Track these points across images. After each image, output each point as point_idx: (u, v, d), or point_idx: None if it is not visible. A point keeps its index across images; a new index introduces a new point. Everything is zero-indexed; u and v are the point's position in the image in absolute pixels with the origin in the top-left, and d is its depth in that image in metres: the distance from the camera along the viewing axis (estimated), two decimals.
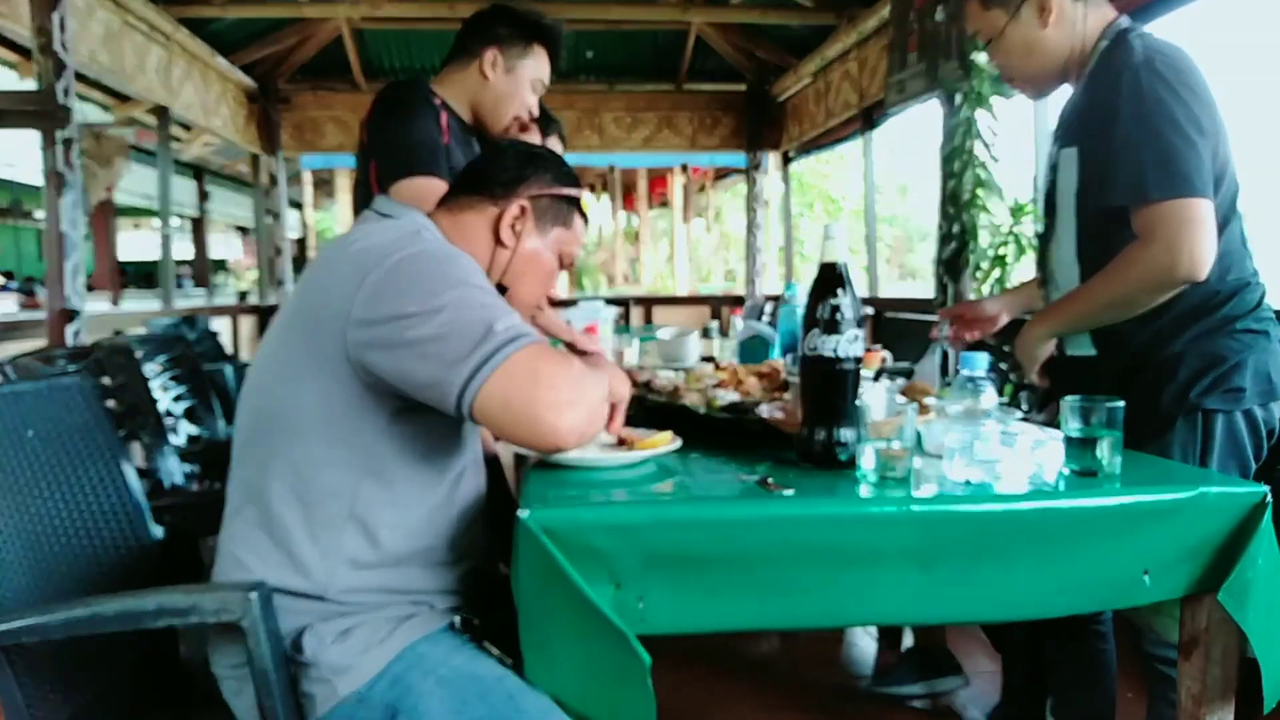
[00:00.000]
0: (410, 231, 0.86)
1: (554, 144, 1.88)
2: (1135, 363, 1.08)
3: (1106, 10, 1.11)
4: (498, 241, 0.93)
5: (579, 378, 0.79)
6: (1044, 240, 1.20)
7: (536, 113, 1.56)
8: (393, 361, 0.78)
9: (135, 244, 14.28)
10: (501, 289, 0.94)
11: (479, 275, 0.84)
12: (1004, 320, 1.37)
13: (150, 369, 1.90)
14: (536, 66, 1.52)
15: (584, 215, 1.00)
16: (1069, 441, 0.88)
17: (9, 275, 10.40)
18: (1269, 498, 0.83)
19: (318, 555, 0.81)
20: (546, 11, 1.54)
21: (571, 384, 0.77)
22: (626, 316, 4.37)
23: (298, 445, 0.81)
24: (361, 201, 1.47)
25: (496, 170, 0.95)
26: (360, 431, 0.81)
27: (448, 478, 0.88)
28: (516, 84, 1.50)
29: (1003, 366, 1.32)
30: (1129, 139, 0.99)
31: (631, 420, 1.16)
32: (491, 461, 1.18)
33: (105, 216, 9.13)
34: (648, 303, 6.12)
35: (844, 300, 0.88)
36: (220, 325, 4.35)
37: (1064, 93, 1.21)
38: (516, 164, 0.95)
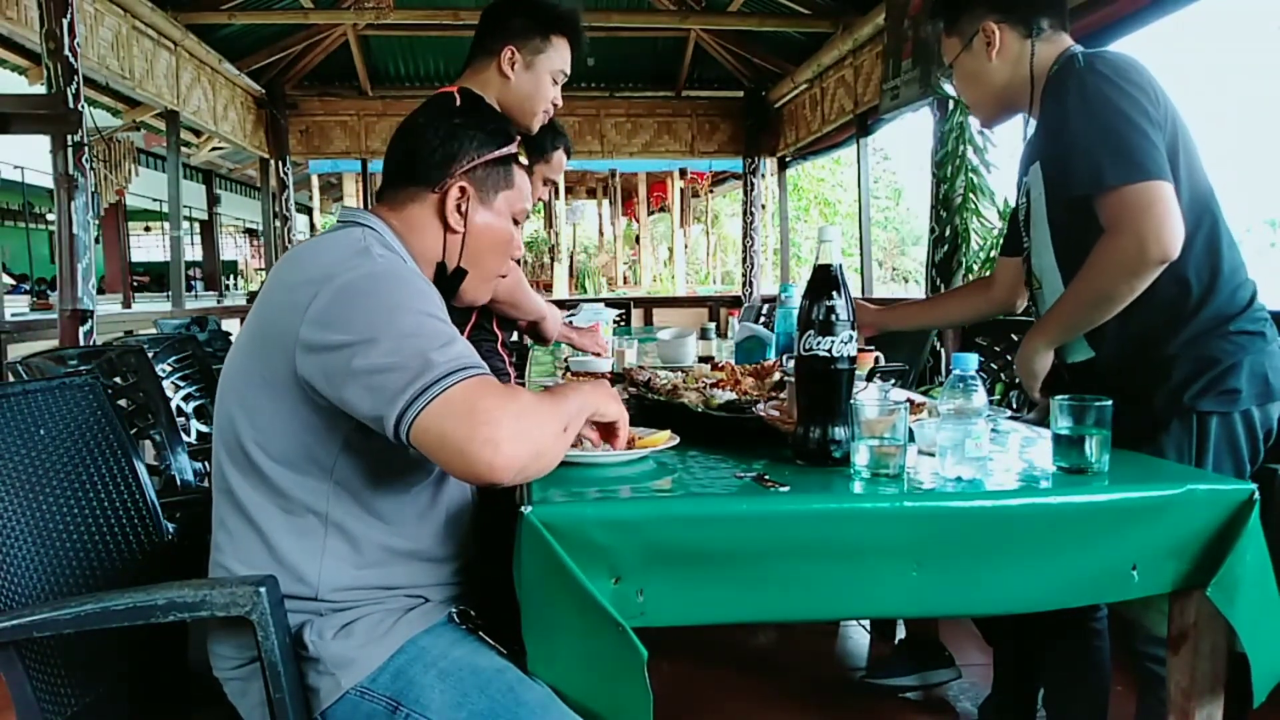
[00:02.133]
0: (359, 249, 0.83)
1: (559, 157, 1.86)
2: (1128, 366, 1.09)
3: (1061, 41, 1.15)
4: (447, 228, 0.92)
5: (523, 412, 0.76)
6: (1027, 259, 1.24)
7: (560, 103, 1.51)
8: (337, 391, 0.77)
9: (146, 246, 14.40)
10: (462, 272, 0.94)
11: (425, 298, 0.81)
12: (869, 333, 1.44)
13: (161, 369, 1.92)
14: (556, 58, 1.46)
15: (522, 165, 0.97)
16: (1058, 439, 0.90)
17: (23, 278, 10.48)
18: (1256, 495, 0.85)
19: (304, 561, 0.82)
20: None
21: (512, 418, 0.74)
22: (626, 318, 4.39)
23: (267, 462, 0.82)
24: None
25: (424, 153, 0.91)
26: (321, 450, 0.81)
27: (425, 486, 0.88)
28: (538, 79, 1.44)
29: (993, 366, 1.34)
30: (1080, 133, 1.02)
31: (631, 420, 1.17)
32: None
33: (116, 220, 9.20)
34: (647, 304, 6.16)
35: (838, 302, 0.89)
36: (230, 326, 4.38)
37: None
38: (442, 142, 0.91)
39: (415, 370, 0.74)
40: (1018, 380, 1.22)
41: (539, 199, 1.84)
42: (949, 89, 1.12)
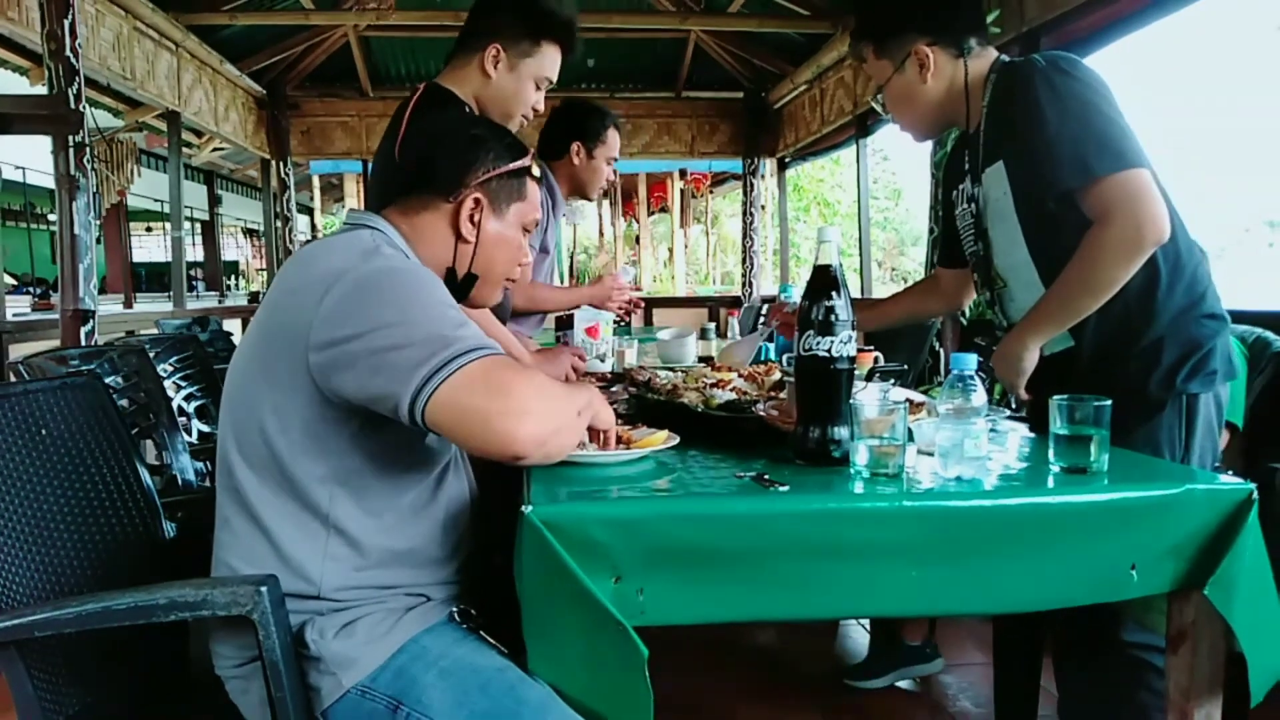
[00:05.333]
0: (369, 248, 0.85)
1: (612, 135, 1.89)
2: (1113, 352, 1.11)
3: (988, 55, 1.21)
4: (459, 237, 0.93)
5: (542, 388, 0.77)
6: (984, 261, 1.24)
7: (541, 109, 1.45)
8: (350, 378, 0.77)
9: (147, 247, 14.42)
10: (473, 278, 0.95)
11: (435, 288, 0.83)
12: None
13: (162, 369, 1.92)
14: (543, 64, 1.40)
15: (534, 178, 0.98)
16: (1058, 439, 0.90)
17: (40, 280, 10.41)
18: (1255, 494, 0.85)
19: (306, 560, 0.83)
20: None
21: (534, 393, 0.75)
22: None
23: (270, 460, 0.83)
24: None
25: (441, 163, 0.92)
26: (327, 447, 0.82)
27: (425, 482, 0.89)
28: (519, 82, 1.39)
29: (992, 366, 1.34)
30: (1060, 129, 1.04)
31: (631, 419, 1.18)
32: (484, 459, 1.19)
33: (118, 220, 9.21)
34: (647, 304, 6.15)
35: (838, 302, 0.90)
36: (232, 326, 4.39)
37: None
38: (459, 152, 0.92)
39: (431, 348, 0.75)
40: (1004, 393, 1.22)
41: (608, 181, 1.94)
42: (878, 108, 1.13)
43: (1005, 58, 1.20)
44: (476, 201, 0.93)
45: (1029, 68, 1.10)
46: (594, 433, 0.96)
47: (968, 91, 1.19)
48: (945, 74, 1.20)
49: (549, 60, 1.42)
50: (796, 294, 1.04)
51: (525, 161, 0.96)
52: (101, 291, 4.89)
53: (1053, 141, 1.05)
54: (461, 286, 0.95)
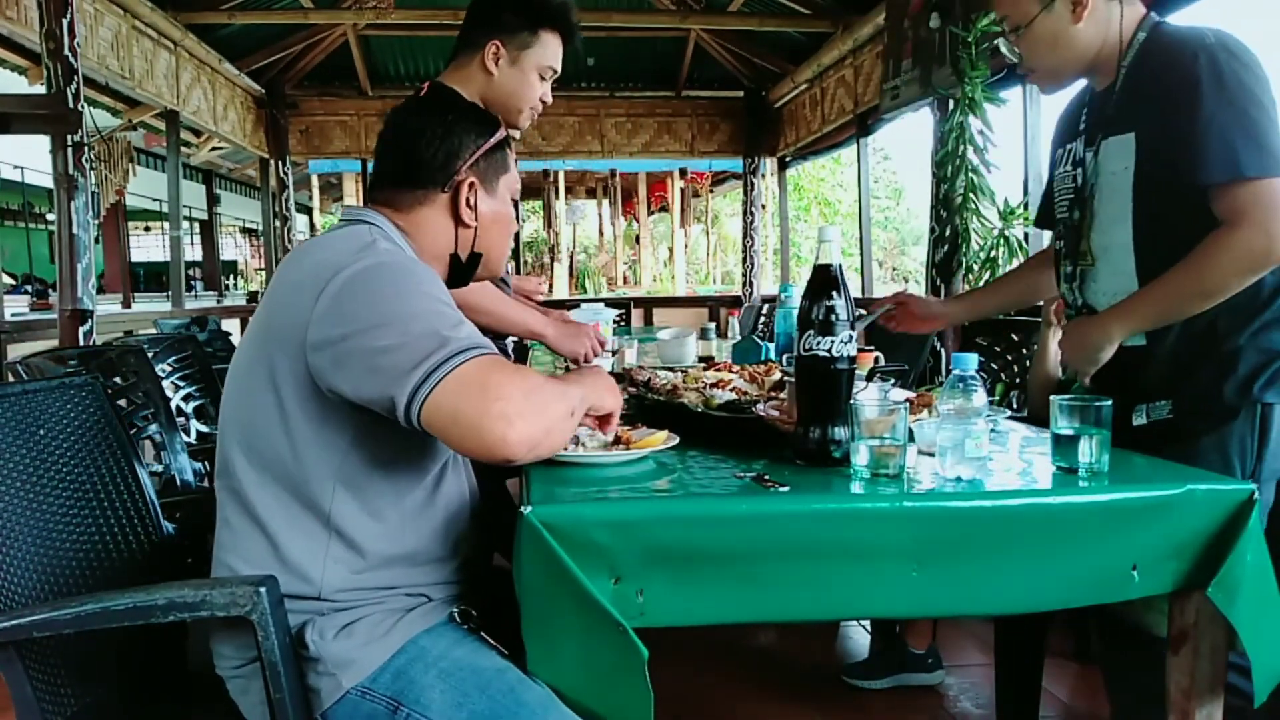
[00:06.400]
0: (363, 244, 0.84)
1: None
2: (1190, 355, 1.05)
3: (1139, 6, 1.12)
4: (460, 223, 0.94)
5: (533, 389, 0.77)
6: (1076, 232, 1.16)
7: (550, 100, 1.43)
8: (346, 378, 0.77)
9: (146, 246, 14.42)
10: (476, 257, 0.96)
11: (431, 284, 0.83)
12: (940, 326, 1.39)
13: (161, 369, 1.92)
14: (545, 54, 1.38)
15: (509, 147, 0.99)
16: (1057, 439, 0.90)
17: (38, 279, 10.40)
18: (1256, 495, 0.85)
19: (306, 561, 0.82)
20: None
21: (524, 395, 0.75)
22: (626, 317, 4.41)
23: (272, 460, 0.82)
24: None
25: (426, 155, 0.92)
26: (327, 446, 0.82)
27: (424, 482, 0.88)
28: (523, 76, 1.38)
29: (994, 366, 1.33)
30: (1215, 117, 0.97)
31: (630, 419, 1.18)
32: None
33: (116, 220, 9.20)
34: (647, 304, 6.18)
35: (838, 302, 0.89)
36: (230, 326, 4.39)
37: (1063, 96, 1.22)
38: (442, 140, 0.92)
39: (426, 349, 0.75)
40: (1020, 379, 1.20)
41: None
42: (1005, 50, 1.03)
43: (1155, 16, 1.10)
44: (471, 185, 0.94)
45: (1195, 42, 1.01)
46: (601, 421, 0.94)
47: (1122, 39, 1.08)
48: (1101, 16, 1.09)
49: (550, 49, 1.39)
50: (797, 294, 1.04)
51: (504, 132, 0.97)
52: (100, 291, 4.89)
53: (1204, 128, 0.97)
54: (467, 268, 0.97)
